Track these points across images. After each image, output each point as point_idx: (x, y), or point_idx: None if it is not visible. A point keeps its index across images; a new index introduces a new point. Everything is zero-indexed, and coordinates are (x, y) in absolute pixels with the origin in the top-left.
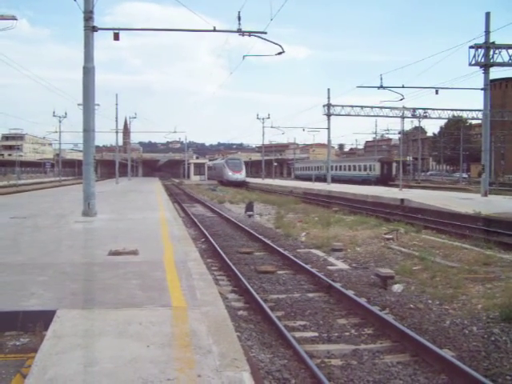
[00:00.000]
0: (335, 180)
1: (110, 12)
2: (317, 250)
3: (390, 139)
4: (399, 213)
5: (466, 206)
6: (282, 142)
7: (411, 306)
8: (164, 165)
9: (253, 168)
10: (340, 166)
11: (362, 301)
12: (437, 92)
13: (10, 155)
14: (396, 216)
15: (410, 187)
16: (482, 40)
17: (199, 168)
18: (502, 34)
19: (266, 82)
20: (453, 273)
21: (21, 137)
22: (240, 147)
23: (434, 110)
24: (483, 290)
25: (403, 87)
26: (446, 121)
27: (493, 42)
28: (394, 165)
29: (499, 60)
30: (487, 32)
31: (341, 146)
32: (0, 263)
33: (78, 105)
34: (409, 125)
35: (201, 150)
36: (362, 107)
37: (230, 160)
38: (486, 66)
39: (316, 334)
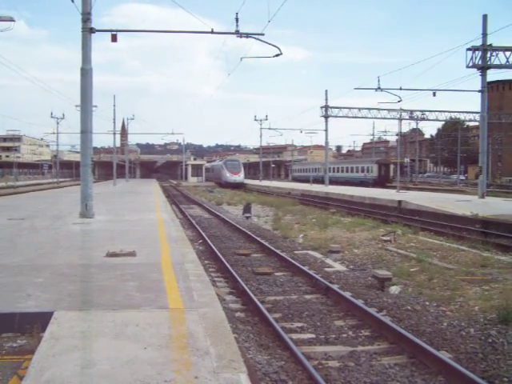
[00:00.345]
0: (333, 182)
1: (107, 13)
2: (314, 251)
3: (387, 141)
4: (397, 215)
5: (464, 208)
6: (279, 144)
7: (408, 307)
8: (162, 166)
9: (250, 170)
10: (338, 168)
11: (360, 302)
12: (434, 94)
13: (7, 156)
14: (393, 218)
15: (408, 189)
16: (479, 42)
17: (197, 169)
18: (502, 35)
19: (263, 83)
20: (450, 274)
21: (18, 138)
22: (238, 149)
23: (431, 111)
24: (480, 291)
25: (401, 89)
26: (443, 123)
27: (490, 45)
28: (392, 167)
29: (496, 62)
30: (484, 34)
31: (338, 148)
32: None
33: (76, 106)
34: (406, 127)
35: (198, 151)
36: (359, 109)
37: (228, 161)
38: (484, 68)
39: (313, 335)
